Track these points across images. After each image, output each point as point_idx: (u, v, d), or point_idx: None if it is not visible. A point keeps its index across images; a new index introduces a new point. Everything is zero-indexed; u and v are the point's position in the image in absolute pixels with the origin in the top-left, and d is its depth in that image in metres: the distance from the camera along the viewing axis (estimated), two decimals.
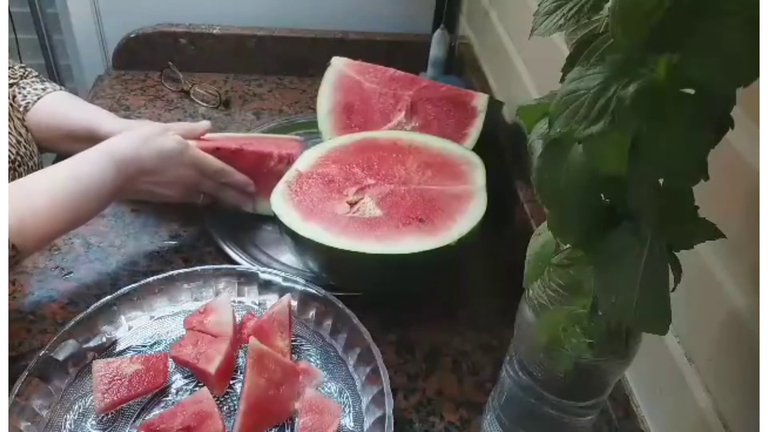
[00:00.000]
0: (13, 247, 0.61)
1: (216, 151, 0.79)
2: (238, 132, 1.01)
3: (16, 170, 0.76)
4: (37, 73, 0.91)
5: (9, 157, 0.75)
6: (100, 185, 0.68)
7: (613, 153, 0.32)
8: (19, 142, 0.78)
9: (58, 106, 0.86)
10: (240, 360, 0.64)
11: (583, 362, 0.43)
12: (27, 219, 0.62)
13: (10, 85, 0.86)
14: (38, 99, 0.85)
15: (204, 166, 0.78)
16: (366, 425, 0.58)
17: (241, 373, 0.63)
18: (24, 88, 0.86)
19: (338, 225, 0.67)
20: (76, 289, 0.72)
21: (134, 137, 0.73)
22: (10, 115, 0.78)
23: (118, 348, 0.64)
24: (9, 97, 0.84)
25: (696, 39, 0.28)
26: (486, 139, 0.85)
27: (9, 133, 0.76)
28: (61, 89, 0.89)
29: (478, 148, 0.81)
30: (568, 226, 0.39)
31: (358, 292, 0.70)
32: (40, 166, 0.83)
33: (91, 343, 0.63)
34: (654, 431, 0.59)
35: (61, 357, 0.61)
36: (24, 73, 0.89)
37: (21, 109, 0.84)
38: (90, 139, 0.83)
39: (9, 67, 0.88)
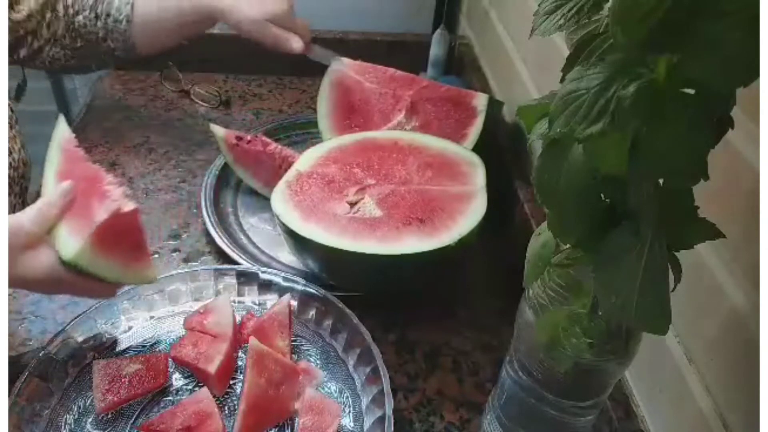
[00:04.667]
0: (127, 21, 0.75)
1: (239, 140, 0.86)
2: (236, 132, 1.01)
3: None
4: None
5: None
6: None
7: (612, 153, 0.32)
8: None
9: (153, 4, 0.89)
10: (240, 360, 0.64)
11: (583, 362, 0.43)
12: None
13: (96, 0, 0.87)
14: (130, 7, 0.87)
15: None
16: (366, 425, 0.58)
17: (241, 373, 0.63)
18: (113, 1, 0.87)
19: (338, 225, 0.67)
20: None
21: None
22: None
23: (118, 348, 0.64)
24: (103, 15, 0.86)
25: (696, 39, 0.28)
26: (486, 139, 0.85)
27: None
28: None
29: (478, 148, 0.81)
30: (568, 226, 0.39)
31: (358, 292, 0.70)
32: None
33: (91, 343, 0.63)
34: (654, 431, 0.59)
35: (61, 357, 0.61)
36: None
37: (123, 24, 0.87)
38: (201, 19, 0.89)
39: None
